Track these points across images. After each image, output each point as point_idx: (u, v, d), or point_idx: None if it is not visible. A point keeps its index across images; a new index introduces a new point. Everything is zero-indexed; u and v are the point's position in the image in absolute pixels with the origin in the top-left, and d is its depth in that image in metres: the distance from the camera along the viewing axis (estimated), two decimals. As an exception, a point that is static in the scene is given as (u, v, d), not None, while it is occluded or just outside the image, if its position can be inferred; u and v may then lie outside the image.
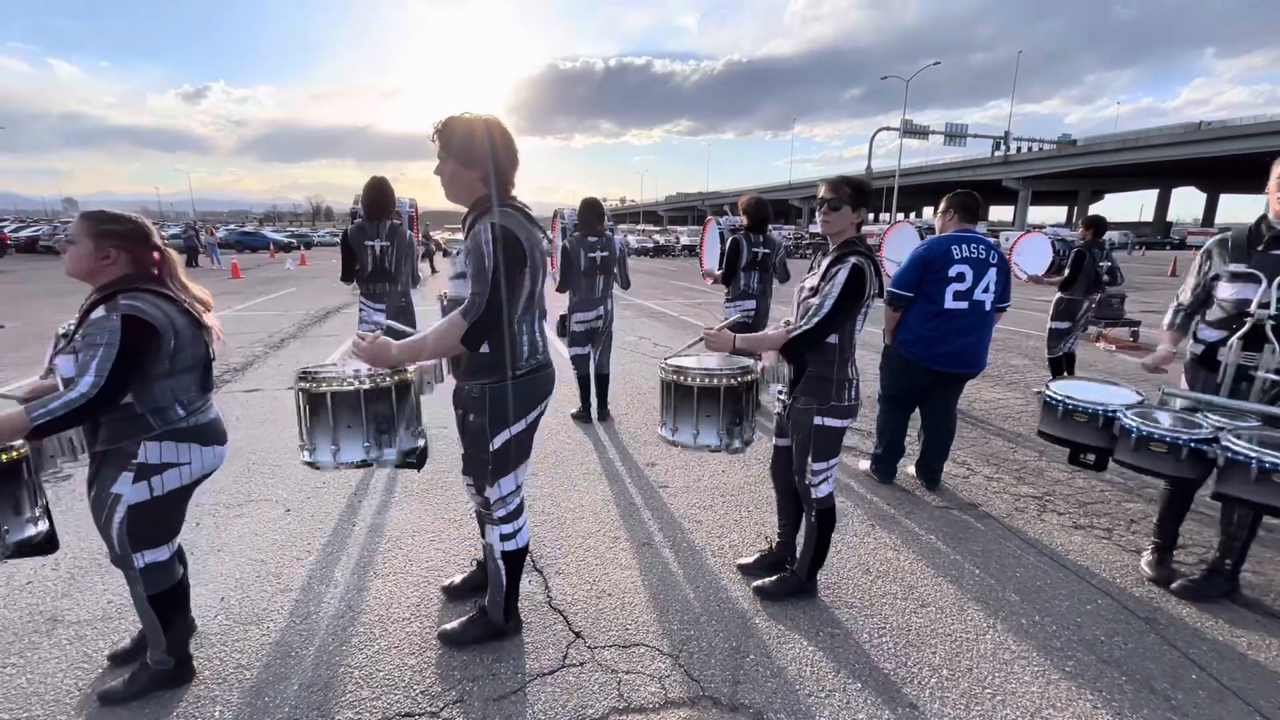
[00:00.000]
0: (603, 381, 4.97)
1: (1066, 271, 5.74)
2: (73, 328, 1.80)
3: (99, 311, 1.71)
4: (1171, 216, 72.29)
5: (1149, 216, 76.66)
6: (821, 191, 2.31)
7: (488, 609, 2.27)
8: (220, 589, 2.55)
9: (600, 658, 2.19)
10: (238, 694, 2.00)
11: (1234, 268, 2.44)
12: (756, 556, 2.76)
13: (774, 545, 2.75)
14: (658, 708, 1.97)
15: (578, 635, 2.31)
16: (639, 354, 7.58)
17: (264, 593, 2.55)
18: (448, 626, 2.29)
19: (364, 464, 2.11)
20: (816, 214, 2.39)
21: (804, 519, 2.51)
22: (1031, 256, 6.77)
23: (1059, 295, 5.83)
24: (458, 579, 2.57)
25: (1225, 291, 2.45)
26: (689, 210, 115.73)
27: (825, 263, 2.29)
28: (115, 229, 1.76)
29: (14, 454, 1.82)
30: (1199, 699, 2.03)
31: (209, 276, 18.58)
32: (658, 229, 45.27)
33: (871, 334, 5.84)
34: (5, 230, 27.37)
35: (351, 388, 2.03)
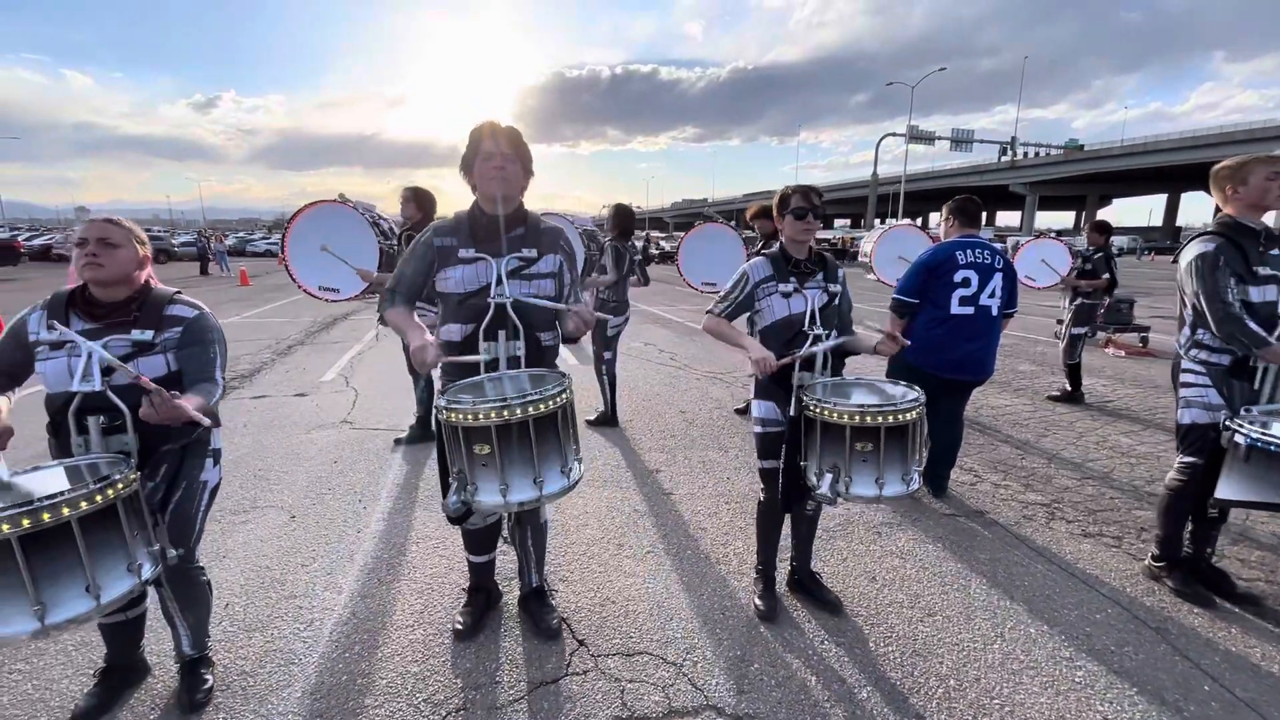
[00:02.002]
0: (613, 383, 5.01)
1: (1107, 276, 5.63)
2: (130, 331, 1.75)
3: (181, 310, 1.84)
4: (1181, 221, 71.83)
5: (1158, 221, 76.19)
6: (800, 201, 2.26)
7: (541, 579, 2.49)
8: (224, 596, 2.55)
9: (604, 666, 2.18)
10: (240, 701, 2.00)
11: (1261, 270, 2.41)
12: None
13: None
14: (661, 717, 1.96)
15: (581, 643, 2.30)
16: (644, 360, 7.58)
17: (268, 599, 2.55)
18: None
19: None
20: (793, 221, 2.28)
21: (800, 516, 2.48)
22: (1049, 264, 6.38)
23: (1080, 301, 5.74)
24: (465, 619, 2.37)
25: (1253, 296, 2.42)
26: (695, 216, 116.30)
27: (827, 271, 2.34)
28: (140, 233, 1.88)
29: (130, 480, 1.55)
30: (1211, 711, 2.00)
31: (218, 284, 18.76)
32: (663, 235, 45.59)
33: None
34: (19, 238, 27.75)
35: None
